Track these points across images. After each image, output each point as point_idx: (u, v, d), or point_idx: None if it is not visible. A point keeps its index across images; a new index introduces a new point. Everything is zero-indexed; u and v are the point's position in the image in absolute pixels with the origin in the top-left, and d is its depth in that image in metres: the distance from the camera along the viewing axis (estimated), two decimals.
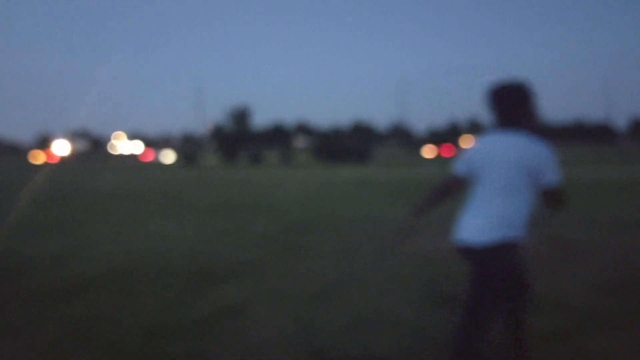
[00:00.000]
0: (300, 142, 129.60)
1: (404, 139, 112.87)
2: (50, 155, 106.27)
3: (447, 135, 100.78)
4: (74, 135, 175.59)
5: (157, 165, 61.79)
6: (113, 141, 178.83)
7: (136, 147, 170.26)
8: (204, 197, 17.22)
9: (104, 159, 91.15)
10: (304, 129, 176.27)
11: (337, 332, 4.38)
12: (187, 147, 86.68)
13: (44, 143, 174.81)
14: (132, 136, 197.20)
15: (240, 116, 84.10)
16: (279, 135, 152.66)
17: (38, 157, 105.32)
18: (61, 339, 4.32)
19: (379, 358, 3.87)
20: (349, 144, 63.48)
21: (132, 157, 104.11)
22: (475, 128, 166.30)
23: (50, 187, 23.18)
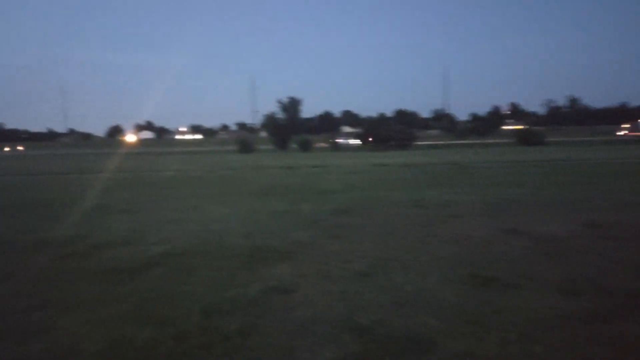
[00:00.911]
0: (346, 130, 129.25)
1: (447, 125, 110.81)
2: (123, 144, 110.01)
3: (489, 122, 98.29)
4: (140, 128, 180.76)
5: (213, 152, 62.88)
6: (177, 134, 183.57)
7: (196, 137, 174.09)
8: (258, 181, 17.37)
9: (166, 149, 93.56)
10: (350, 117, 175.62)
11: (381, 311, 4.31)
12: (242, 135, 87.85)
13: (115, 134, 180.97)
14: (192, 128, 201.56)
15: (291, 106, 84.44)
16: (327, 123, 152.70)
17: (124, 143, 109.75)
18: (125, 314, 4.42)
19: (421, 336, 3.78)
20: (393, 131, 62.77)
21: (193, 144, 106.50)
22: (517, 114, 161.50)
23: (118, 174, 23.92)
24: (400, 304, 4.49)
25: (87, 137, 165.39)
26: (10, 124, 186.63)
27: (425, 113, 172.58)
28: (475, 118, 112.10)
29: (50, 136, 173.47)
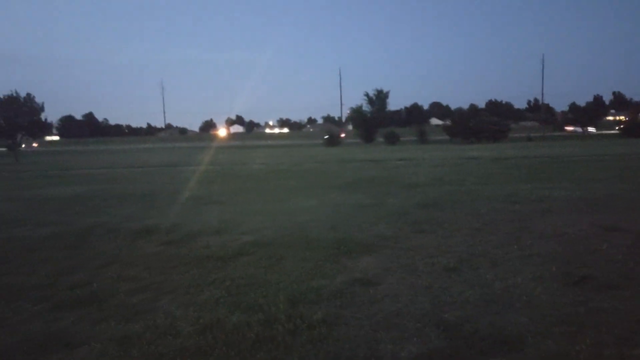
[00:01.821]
0: (435, 122, 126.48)
1: (543, 115, 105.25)
2: (215, 138, 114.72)
3: (590, 112, 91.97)
4: (231, 122, 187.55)
5: (300, 145, 64.06)
6: (266, 128, 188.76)
7: (284, 131, 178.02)
8: (344, 175, 17.50)
9: (255, 142, 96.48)
10: (439, 109, 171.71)
11: (468, 307, 4.23)
12: (329, 129, 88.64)
13: (208, 129, 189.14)
14: (280, 122, 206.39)
15: (378, 99, 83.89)
16: (415, 116, 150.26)
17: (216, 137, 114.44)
18: (217, 299, 4.67)
19: (510, 335, 3.67)
20: (484, 122, 60.53)
21: (281, 138, 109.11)
22: (621, 103, 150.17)
23: (209, 167, 25.04)
24: (489, 300, 4.38)
25: (182, 131, 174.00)
26: (113, 120, 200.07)
27: (519, 104, 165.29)
28: (575, 108, 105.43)
29: (150, 131, 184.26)
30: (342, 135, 75.10)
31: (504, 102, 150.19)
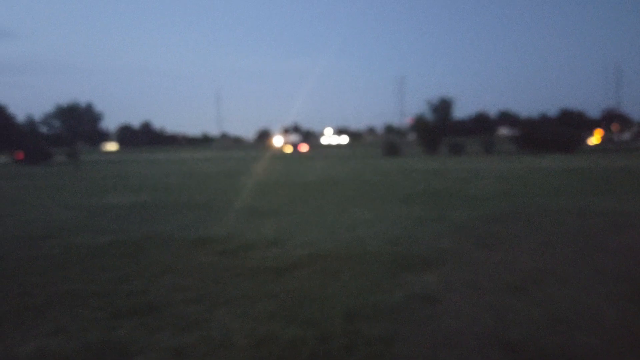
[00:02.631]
0: (503, 132, 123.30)
1: (619, 125, 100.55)
2: (270, 147, 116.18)
3: None
4: (287, 130, 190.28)
5: (359, 155, 64.01)
6: (324, 135, 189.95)
7: (342, 140, 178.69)
8: (404, 186, 17.39)
9: (311, 152, 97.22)
10: (507, 118, 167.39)
11: (534, 327, 4.14)
12: (389, 138, 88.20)
13: (263, 137, 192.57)
14: (338, 130, 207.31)
15: (442, 107, 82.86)
16: (481, 125, 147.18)
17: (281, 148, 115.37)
18: (272, 312, 4.76)
19: (578, 357, 3.56)
20: (555, 132, 58.46)
21: (339, 148, 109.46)
22: None
23: (265, 176, 25.46)
24: (556, 320, 4.26)
25: (237, 140, 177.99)
26: (170, 129, 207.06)
27: (594, 113, 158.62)
28: None
29: (205, 140, 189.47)
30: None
31: (576, 111, 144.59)
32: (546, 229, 8.40)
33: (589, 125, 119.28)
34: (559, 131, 59.55)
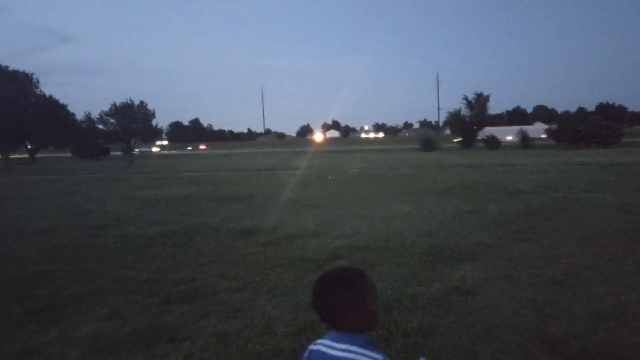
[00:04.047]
0: (539, 126, 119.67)
1: None
2: (312, 143, 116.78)
3: None
4: (327, 127, 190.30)
5: (396, 150, 63.38)
6: (361, 133, 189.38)
7: (379, 135, 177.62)
8: (441, 180, 17.08)
9: (351, 147, 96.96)
10: (543, 112, 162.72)
11: (576, 323, 3.94)
12: (425, 133, 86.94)
13: (304, 133, 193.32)
14: (376, 127, 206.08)
15: (477, 102, 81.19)
16: (517, 119, 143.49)
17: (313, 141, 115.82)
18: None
19: (623, 355, 3.37)
20: (595, 126, 56.34)
21: (377, 143, 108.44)
22: None
23: (306, 171, 25.48)
24: (599, 317, 4.05)
25: (281, 136, 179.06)
26: (217, 126, 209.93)
27: (635, 106, 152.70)
28: None
29: (250, 136, 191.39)
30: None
31: (616, 105, 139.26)
32: (587, 223, 8.07)
33: (630, 119, 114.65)
34: (599, 125, 57.35)
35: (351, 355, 1.63)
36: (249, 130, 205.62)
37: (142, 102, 65.48)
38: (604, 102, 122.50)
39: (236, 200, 13.09)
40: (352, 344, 1.65)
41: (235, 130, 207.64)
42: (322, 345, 1.72)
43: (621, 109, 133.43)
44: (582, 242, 6.76)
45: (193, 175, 25.11)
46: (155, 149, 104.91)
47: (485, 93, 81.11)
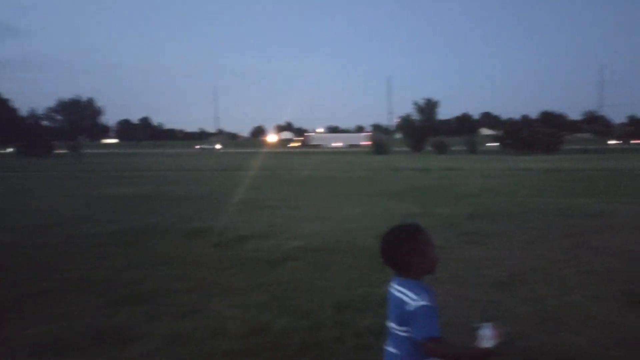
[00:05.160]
0: (485, 132, 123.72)
1: (600, 128, 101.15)
2: (265, 144, 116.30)
3: None
4: (280, 128, 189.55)
5: (349, 152, 64.00)
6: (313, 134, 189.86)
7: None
8: (392, 183, 17.37)
9: (303, 149, 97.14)
10: (489, 119, 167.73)
11: (520, 324, 4.10)
12: (377, 137, 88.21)
13: (257, 134, 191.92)
14: (329, 129, 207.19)
15: (427, 108, 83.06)
16: (465, 126, 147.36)
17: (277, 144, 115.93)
18: (264, 302, 4.71)
19: (564, 355, 3.53)
20: (538, 133, 58.61)
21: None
22: None
23: (260, 172, 25.35)
24: (542, 318, 4.23)
25: (233, 137, 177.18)
26: (168, 124, 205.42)
27: (575, 115, 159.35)
28: (635, 120, 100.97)
29: (202, 136, 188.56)
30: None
31: (557, 113, 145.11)
32: (531, 227, 8.39)
33: (570, 127, 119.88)
34: (541, 132, 59.70)
35: (399, 295, 2.04)
36: (201, 129, 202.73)
37: (90, 99, 63.56)
38: (546, 110, 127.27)
39: (189, 200, 12.90)
40: (403, 286, 2.06)
41: (187, 130, 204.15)
42: (391, 286, 2.12)
43: (562, 117, 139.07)
44: (526, 245, 7.02)
45: (144, 174, 24.54)
46: (217, 146, 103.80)
47: (436, 99, 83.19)
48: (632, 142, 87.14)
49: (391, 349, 2.10)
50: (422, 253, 2.07)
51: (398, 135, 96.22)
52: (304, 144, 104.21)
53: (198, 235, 7.95)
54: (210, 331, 4.04)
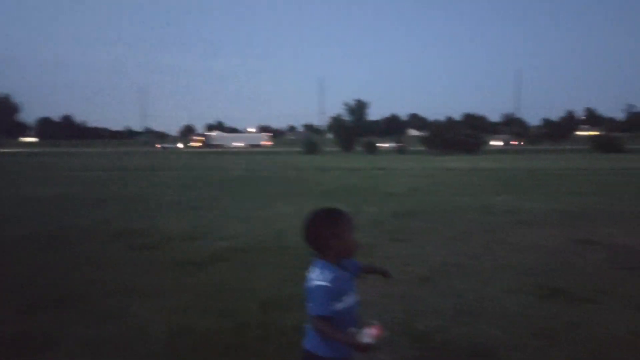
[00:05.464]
0: (413, 133, 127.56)
1: (517, 130, 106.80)
2: (194, 142, 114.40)
3: (563, 127, 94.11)
4: (211, 127, 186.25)
5: (280, 152, 63.97)
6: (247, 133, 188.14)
7: (263, 138, 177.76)
8: (322, 182, 17.48)
9: (234, 148, 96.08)
10: (416, 120, 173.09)
11: (440, 318, 4.22)
12: (309, 137, 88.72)
13: (186, 133, 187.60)
14: (260, 129, 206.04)
15: (357, 109, 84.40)
16: (393, 127, 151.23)
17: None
18: (190, 305, 4.57)
19: (482, 346, 3.66)
20: (460, 135, 61.13)
21: (259, 146, 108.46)
22: (592, 118, 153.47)
23: (188, 172, 24.79)
24: (461, 311, 4.37)
25: (161, 135, 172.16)
26: (92, 123, 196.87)
27: (494, 117, 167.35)
28: (548, 123, 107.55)
29: (129, 134, 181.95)
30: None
31: (479, 116, 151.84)
32: (453, 224, 8.68)
33: (490, 129, 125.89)
34: (464, 133, 62.29)
35: (309, 273, 2.12)
36: (128, 128, 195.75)
37: (6, 95, 59.72)
38: (469, 113, 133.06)
39: (112, 201, 12.37)
40: (316, 265, 2.13)
41: (113, 128, 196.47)
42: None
43: (483, 120, 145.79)
44: (448, 241, 7.26)
45: (65, 174, 23.34)
46: (180, 145, 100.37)
47: (366, 100, 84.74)
48: (511, 142, 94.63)
49: (306, 324, 2.16)
50: (341, 237, 2.14)
51: (329, 136, 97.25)
52: (205, 144, 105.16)
53: (121, 237, 7.63)
54: (131, 335, 3.88)
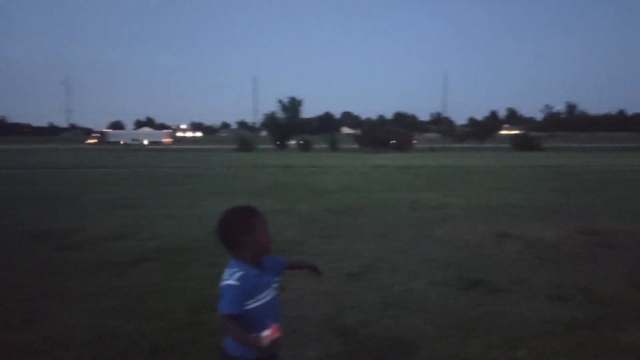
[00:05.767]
0: (346, 131, 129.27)
1: (445, 128, 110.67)
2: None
3: (487, 126, 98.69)
4: (141, 124, 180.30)
5: (213, 150, 62.92)
6: (177, 132, 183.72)
7: (196, 134, 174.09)
8: (256, 180, 17.38)
9: (166, 145, 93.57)
10: (349, 119, 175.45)
11: (367, 312, 4.33)
12: (242, 134, 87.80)
13: (115, 130, 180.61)
14: (194, 126, 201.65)
15: (291, 106, 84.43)
16: (326, 124, 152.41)
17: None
18: (115, 307, 4.43)
19: (404, 339, 3.79)
20: (391, 133, 62.60)
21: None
22: (514, 118, 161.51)
23: (118, 169, 23.91)
24: (387, 304, 4.50)
25: (88, 132, 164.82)
26: (13, 118, 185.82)
27: (424, 116, 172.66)
28: (474, 122, 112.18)
29: (52, 130, 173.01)
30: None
31: (409, 114, 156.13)
32: (383, 220, 8.89)
33: (419, 127, 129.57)
34: (394, 132, 63.80)
35: (224, 273, 2.17)
36: (51, 124, 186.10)
37: None
38: (399, 112, 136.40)
39: (35, 200, 11.73)
40: (229, 265, 2.19)
41: (35, 124, 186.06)
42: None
43: (413, 118, 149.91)
44: (378, 237, 7.43)
45: None
46: (145, 142, 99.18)
47: (299, 98, 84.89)
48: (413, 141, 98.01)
49: None
50: (253, 235, 2.14)
51: (263, 133, 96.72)
52: (101, 141, 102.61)
53: (43, 238, 7.26)
54: (50, 342, 3.71)
